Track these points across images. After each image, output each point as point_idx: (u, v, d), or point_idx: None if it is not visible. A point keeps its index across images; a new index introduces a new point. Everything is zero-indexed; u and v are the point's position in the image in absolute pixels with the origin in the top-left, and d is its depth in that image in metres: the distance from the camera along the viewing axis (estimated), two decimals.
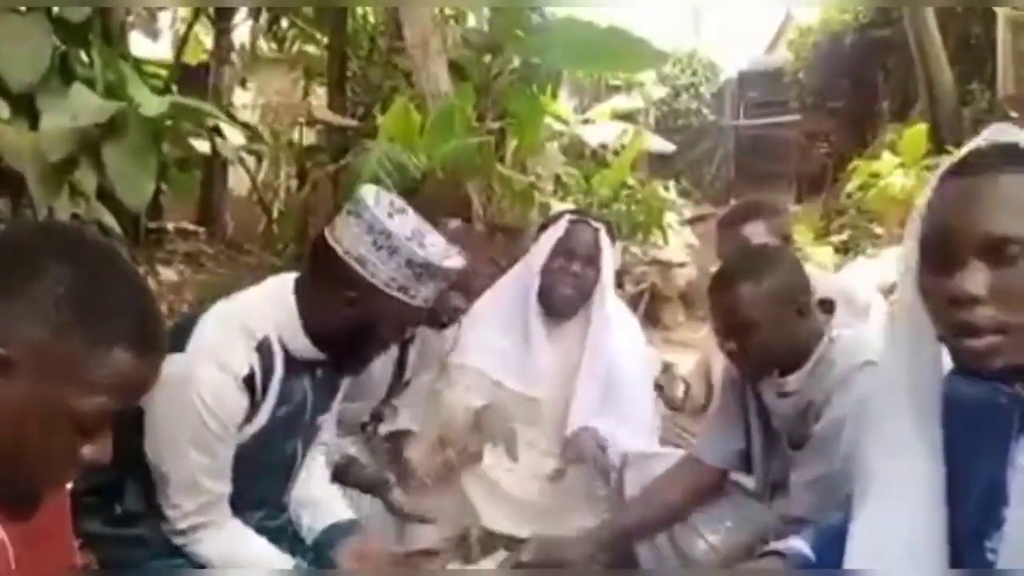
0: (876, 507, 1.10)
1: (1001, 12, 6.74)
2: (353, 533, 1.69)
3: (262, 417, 1.50)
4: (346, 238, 1.46)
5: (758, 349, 1.63)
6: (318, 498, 1.72)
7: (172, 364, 1.38)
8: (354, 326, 1.49)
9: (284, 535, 1.62)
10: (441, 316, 2.08)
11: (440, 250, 1.49)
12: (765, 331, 1.61)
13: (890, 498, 1.08)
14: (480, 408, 2.16)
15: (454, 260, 1.51)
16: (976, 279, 0.93)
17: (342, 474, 1.89)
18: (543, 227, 2.41)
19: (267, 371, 1.48)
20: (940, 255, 0.97)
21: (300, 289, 1.52)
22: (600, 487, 2.14)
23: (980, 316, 0.93)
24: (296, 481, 1.70)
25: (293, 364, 1.52)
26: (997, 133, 0.99)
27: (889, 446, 1.10)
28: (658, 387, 2.78)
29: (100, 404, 0.87)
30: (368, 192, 1.50)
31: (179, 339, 1.43)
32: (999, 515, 0.99)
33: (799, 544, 1.29)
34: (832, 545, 1.21)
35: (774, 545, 1.33)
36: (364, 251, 1.44)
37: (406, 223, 1.47)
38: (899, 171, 6.20)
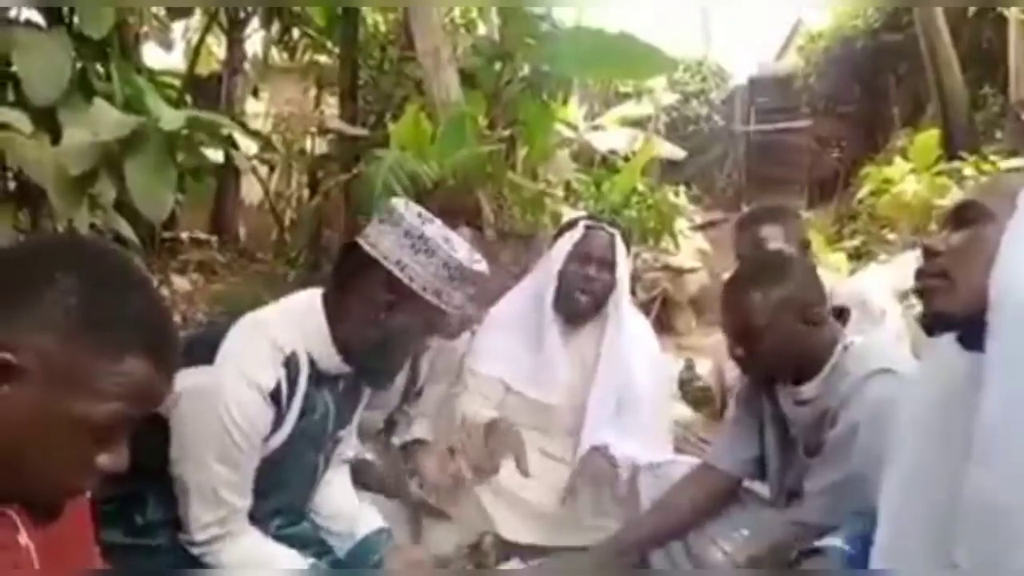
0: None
1: (1013, 16, 6.71)
2: (390, 541, 1.72)
3: (285, 429, 1.51)
4: (383, 244, 1.52)
5: (764, 357, 1.65)
6: (349, 509, 1.74)
7: (200, 376, 1.41)
8: (387, 333, 1.52)
9: (301, 541, 1.62)
10: (453, 325, 2.09)
11: (468, 254, 1.55)
12: (771, 339, 1.62)
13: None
14: (490, 421, 2.17)
15: (481, 264, 1.57)
16: (940, 238, 1.14)
17: (356, 476, 1.90)
18: (559, 233, 2.42)
19: (292, 385, 1.50)
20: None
21: (329, 303, 1.55)
22: (611, 502, 2.14)
23: (930, 264, 1.13)
24: (317, 492, 1.71)
25: (317, 378, 1.54)
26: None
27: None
28: (682, 384, 2.78)
29: (113, 412, 0.88)
30: (399, 202, 1.58)
31: (206, 351, 1.45)
32: None
33: (836, 541, 1.32)
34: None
35: (815, 544, 1.37)
36: (402, 255, 1.50)
37: (437, 230, 1.54)
38: (911, 176, 6.16)
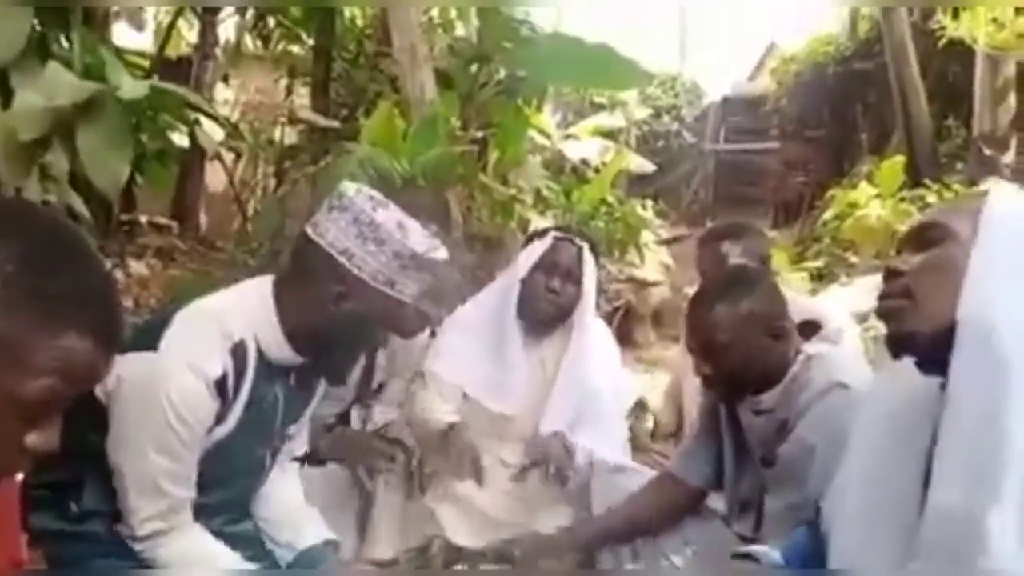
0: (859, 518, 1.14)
1: (979, 52, 6.88)
2: (335, 553, 1.67)
3: (230, 421, 1.46)
4: (330, 232, 1.44)
5: (732, 373, 1.64)
6: (295, 518, 1.68)
7: (142, 363, 1.35)
8: (339, 324, 1.46)
9: (246, 541, 1.58)
10: (409, 323, 2.05)
11: (424, 241, 1.49)
12: (739, 354, 1.61)
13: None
14: (448, 427, 2.13)
15: (439, 252, 1.51)
16: (903, 259, 1.13)
17: (310, 455, 1.86)
18: (527, 242, 2.40)
19: (239, 374, 1.44)
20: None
21: (280, 290, 1.49)
22: (560, 493, 2.12)
23: (893, 285, 1.11)
24: (263, 490, 1.66)
25: (266, 369, 1.48)
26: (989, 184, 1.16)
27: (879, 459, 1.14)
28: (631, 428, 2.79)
29: (46, 388, 0.83)
30: (349, 187, 1.49)
31: (151, 337, 1.39)
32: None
33: (767, 549, 1.33)
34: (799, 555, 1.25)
35: (745, 549, 1.37)
36: (350, 244, 1.43)
37: (390, 215, 1.47)
38: (876, 201, 6.29)
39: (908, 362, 1.12)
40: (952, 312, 1.03)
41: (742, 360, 1.62)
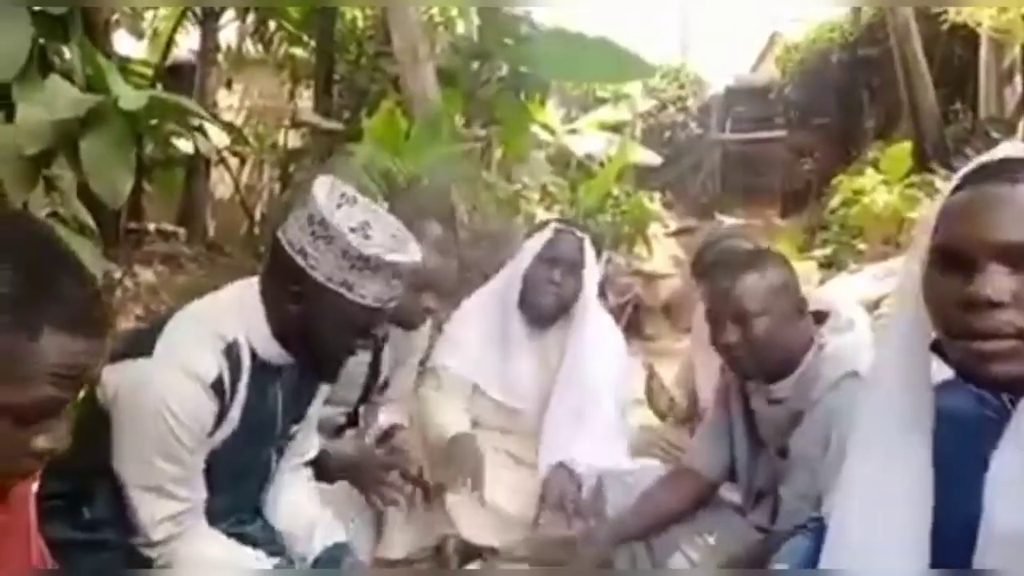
0: (861, 515, 1.10)
1: (984, 35, 6.83)
2: (348, 557, 1.65)
3: (231, 421, 1.45)
4: (291, 230, 1.41)
5: (759, 341, 1.61)
6: (307, 527, 1.66)
7: (137, 370, 1.36)
8: (305, 324, 1.43)
9: (256, 542, 1.56)
10: (411, 316, 2.05)
11: (386, 243, 1.41)
12: (768, 322, 1.60)
13: (876, 506, 1.09)
14: (452, 437, 2.13)
15: (404, 255, 1.43)
16: (996, 284, 0.91)
17: (321, 471, 1.84)
18: (529, 235, 2.41)
19: (235, 374, 1.43)
20: (956, 260, 0.95)
21: (262, 288, 1.47)
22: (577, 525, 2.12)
23: (999, 320, 0.91)
24: (276, 500, 1.66)
25: (261, 369, 1.47)
26: (1012, 149, 0.99)
27: (880, 456, 1.09)
28: (646, 396, 2.78)
29: (40, 395, 0.83)
30: (321, 184, 1.43)
31: (147, 344, 1.38)
32: (975, 526, 0.98)
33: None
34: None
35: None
36: (304, 243, 1.39)
37: (353, 214, 1.40)
38: (882, 188, 6.26)
39: (891, 362, 1.08)
40: None
41: (771, 328, 1.60)
